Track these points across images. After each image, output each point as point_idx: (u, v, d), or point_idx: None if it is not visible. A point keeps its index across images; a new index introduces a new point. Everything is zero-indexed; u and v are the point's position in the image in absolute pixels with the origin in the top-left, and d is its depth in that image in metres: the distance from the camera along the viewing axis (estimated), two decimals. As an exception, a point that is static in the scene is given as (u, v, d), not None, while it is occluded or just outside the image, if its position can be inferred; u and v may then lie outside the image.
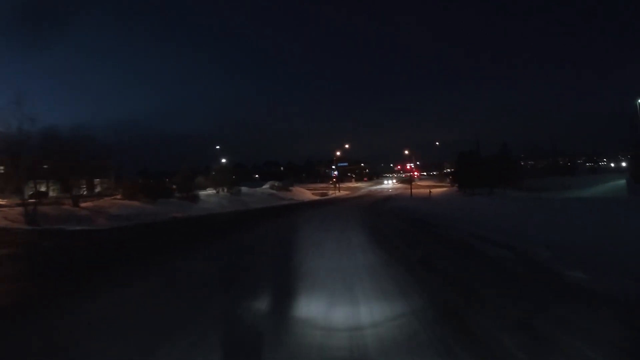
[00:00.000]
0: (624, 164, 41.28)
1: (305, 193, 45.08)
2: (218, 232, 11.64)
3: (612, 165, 57.38)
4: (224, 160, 62.38)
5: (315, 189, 56.80)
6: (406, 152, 60.58)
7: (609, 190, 23.78)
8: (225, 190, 32.84)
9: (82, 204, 20.03)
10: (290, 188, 43.73)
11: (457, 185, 31.78)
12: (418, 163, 64.99)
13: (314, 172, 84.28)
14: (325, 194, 48.01)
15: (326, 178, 77.12)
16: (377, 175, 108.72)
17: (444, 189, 44.31)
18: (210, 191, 33.14)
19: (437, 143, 52.12)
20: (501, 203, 15.85)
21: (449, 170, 75.02)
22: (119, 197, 24.04)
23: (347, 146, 54.68)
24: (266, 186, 43.45)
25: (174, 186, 28.60)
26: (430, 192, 41.29)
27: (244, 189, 35.58)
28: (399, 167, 71.33)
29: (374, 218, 13.62)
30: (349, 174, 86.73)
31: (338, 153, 62.81)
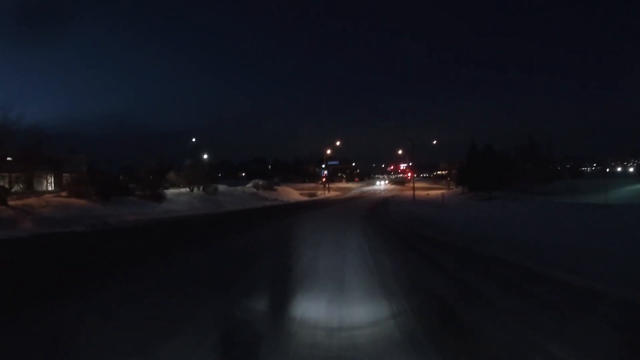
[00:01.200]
0: (631, 169, 38.99)
1: (291, 193, 41.40)
2: (153, 251, 7.89)
3: (619, 169, 55.64)
4: (205, 156, 58.36)
5: (303, 189, 53.29)
6: (400, 152, 57.60)
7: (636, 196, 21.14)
8: (201, 188, 28.94)
9: (14, 202, 16.23)
10: (276, 187, 40.01)
11: (463, 187, 28.33)
12: (411, 164, 61.97)
13: (303, 171, 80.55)
14: (314, 195, 44.47)
15: (315, 178, 73.47)
16: (368, 175, 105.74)
17: (442, 191, 41.37)
18: (183, 189, 29.24)
19: (435, 142, 48.15)
20: (553, 213, 12.08)
21: (444, 172, 72.42)
22: (64, 194, 20.04)
23: (338, 143, 51.18)
24: (249, 185, 39.64)
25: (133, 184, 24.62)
26: (428, 194, 38.09)
27: (222, 187, 31.70)
28: (392, 167, 68.30)
29: (380, 230, 10.24)
30: (339, 174, 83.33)
31: (328, 151, 59.32)
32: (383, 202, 24.66)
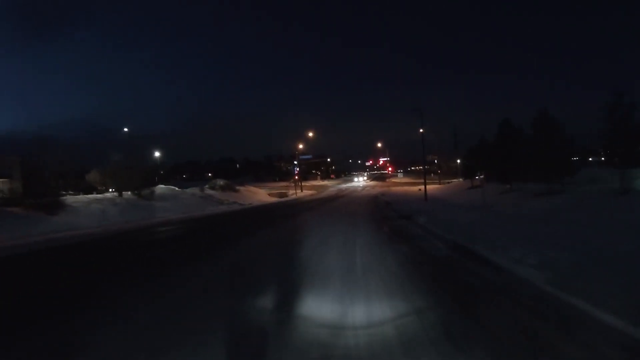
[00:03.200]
0: None
1: (257, 194, 35.02)
2: None
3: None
4: (157, 154, 50.44)
5: (273, 188, 47.01)
6: (379, 145, 52.62)
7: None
8: (136, 192, 22.10)
9: None
10: (238, 188, 33.50)
11: (473, 179, 22.92)
12: (387, 159, 57.13)
13: (275, 169, 73.98)
14: (284, 195, 38.35)
15: (288, 176, 67.29)
16: (345, 172, 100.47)
17: (436, 185, 36.48)
18: (111, 194, 22.33)
19: (422, 130, 43.11)
20: None
21: (419, 167, 68.46)
22: None
23: (310, 134, 45.19)
24: (206, 186, 32.90)
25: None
26: (420, 189, 33.20)
27: (164, 190, 24.94)
28: (370, 161, 63.20)
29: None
30: (314, 171, 77.49)
31: (301, 146, 53.33)
32: (378, 205, 17.91)
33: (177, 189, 27.18)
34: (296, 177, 57.07)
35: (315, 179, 73.12)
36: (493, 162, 16.98)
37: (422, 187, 35.69)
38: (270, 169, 75.68)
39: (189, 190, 27.67)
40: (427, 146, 71.08)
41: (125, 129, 30.27)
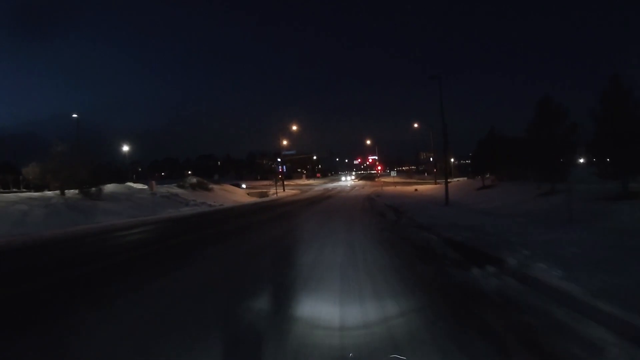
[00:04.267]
0: None
1: (234, 194, 31.48)
2: None
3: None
4: (125, 148, 46.23)
5: (254, 187, 43.59)
6: (368, 142, 49.77)
7: None
8: (83, 190, 18.35)
9: None
10: (211, 186, 29.90)
11: (483, 177, 20.13)
12: (376, 157, 54.45)
13: (257, 167, 70.26)
14: (265, 195, 34.93)
15: (272, 174, 63.85)
16: (332, 171, 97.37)
17: (432, 185, 33.79)
18: (52, 193, 18.53)
19: (416, 125, 40.33)
20: None
21: (407, 167, 66.01)
22: None
23: (294, 128, 41.74)
24: (174, 185, 29.18)
25: None
26: (416, 189, 30.38)
27: (118, 188, 21.23)
28: (359, 159, 60.25)
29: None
30: (299, 170, 74.12)
31: (285, 142, 49.98)
32: (381, 212, 12.95)
33: (134, 186, 23.48)
34: (280, 175, 53.70)
35: (300, 177, 69.76)
36: (516, 157, 14.07)
37: (418, 187, 32.69)
38: (252, 167, 71.88)
39: (149, 190, 23.98)
40: (420, 145, 68.83)
41: (74, 115, 26.05)
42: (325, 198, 26.51)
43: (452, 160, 54.14)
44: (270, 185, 44.40)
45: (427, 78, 18.34)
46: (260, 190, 36.45)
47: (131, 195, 20.24)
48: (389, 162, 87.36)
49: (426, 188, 30.94)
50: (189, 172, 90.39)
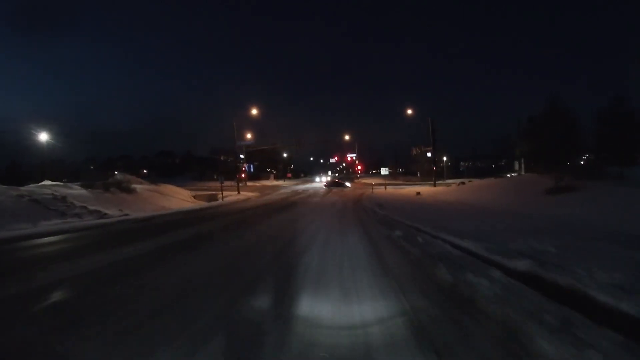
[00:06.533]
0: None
1: (169, 197, 23.60)
2: None
3: None
4: (43, 138, 37.17)
5: (208, 189, 35.65)
6: (347, 137, 43.08)
7: None
8: None
9: None
10: (134, 187, 21.93)
11: (554, 174, 12.94)
12: (355, 155, 47.71)
13: (219, 165, 61.85)
14: (214, 198, 27.27)
15: (239, 174, 55.83)
16: (303, 173, 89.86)
17: (431, 188, 27.08)
18: None
19: (410, 111, 33.81)
20: None
21: (389, 169, 59.89)
22: None
23: (254, 111, 33.83)
24: (80, 185, 21.01)
25: None
26: (419, 193, 24.01)
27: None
28: (336, 158, 53.40)
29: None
30: (268, 170, 66.34)
31: (249, 135, 42.39)
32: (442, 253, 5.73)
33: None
34: (243, 174, 45.93)
35: (268, 177, 62.01)
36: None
37: (419, 189, 26.31)
38: (215, 164, 63.41)
39: (26, 189, 15.92)
40: (388, 151, 62.96)
41: None
42: (287, 206, 19.19)
43: (445, 159, 48.84)
44: (228, 186, 36.53)
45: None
46: (210, 193, 28.67)
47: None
48: (370, 164, 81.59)
49: (432, 191, 24.26)
50: (145, 171, 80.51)
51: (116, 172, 31.45)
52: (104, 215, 14.97)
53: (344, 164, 67.74)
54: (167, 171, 68.34)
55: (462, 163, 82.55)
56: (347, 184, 42.44)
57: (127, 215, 15.50)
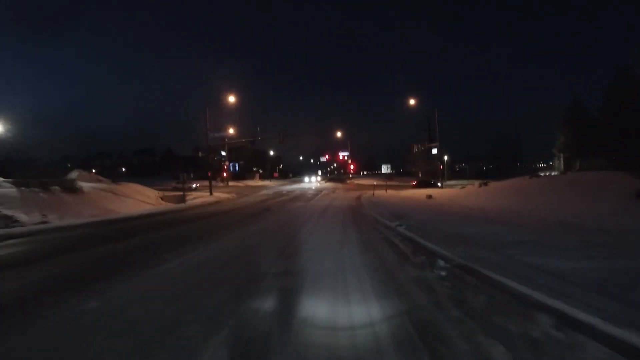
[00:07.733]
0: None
1: (127, 199, 19.87)
2: None
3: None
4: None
5: (183, 189, 31.75)
6: (338, 134, 39.73)
7: None
8: None
9: None
10: (80, 186, 18.22)
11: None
12: (348, 153, 44.22)
13: (205, 164, 57.95)
14: (183, 200, 23.56)
15: (219, 172, 51.98)
16: (294, 172, 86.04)
17: (436, 190, 23.34)
18: None
19: (412, 101, 30.74)
20: None
21: (389, 170, 56.84)
22: None
23: (232, 99, 30.11)
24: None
25: None
26: (430, 195, 20.86)
27: None
28: (326, 156, 49.93)
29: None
30: (254, 169, 62.47)
31: (231, 131, 38.77)
32: None
33: None
34: (224, 174, 42.23)
35: (254, 177, 58.19)
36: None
37: (430, 192, 22.99)
38: (198, 163, 59.41)
39: None
40: (382, 153, 60.07)
41: None
42: (259, 214, 15.58)
43: (446, 158, 45.57)
44: (206, 186, 32.72)
45: None
46: (179, 194, 24.91)
47: None
48: (362, 165, 78.41)
49: (448, 193, 20.68)
50: (123, 169, 75.87)
51: (74, 170, 27.52)
52: (14, 223, 11.25)
53: (335, 164, 64.39)
54: (146, 170, 64.11)
55: (455, 165, 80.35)
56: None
57: (46, 222, 11.79)
